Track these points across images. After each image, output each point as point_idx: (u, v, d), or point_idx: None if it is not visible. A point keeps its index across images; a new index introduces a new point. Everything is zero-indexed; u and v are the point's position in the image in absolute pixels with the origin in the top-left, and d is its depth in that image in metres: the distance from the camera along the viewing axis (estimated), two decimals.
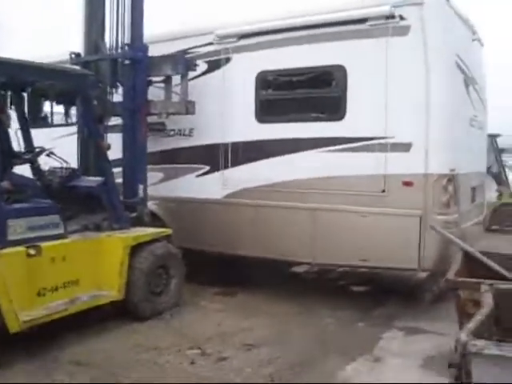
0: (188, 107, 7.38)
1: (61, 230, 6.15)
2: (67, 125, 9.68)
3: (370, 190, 6.71)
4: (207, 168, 7.87)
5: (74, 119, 9.68)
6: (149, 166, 7.75)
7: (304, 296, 7.65)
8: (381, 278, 8.64)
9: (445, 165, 6.50)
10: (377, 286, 8.46)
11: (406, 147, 6.51)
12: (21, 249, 5.63)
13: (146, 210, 7.37)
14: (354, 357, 5.64)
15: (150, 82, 7.48)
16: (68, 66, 7.19)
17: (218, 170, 7.77)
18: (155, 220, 8.06)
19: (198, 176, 7.95)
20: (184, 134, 8.06)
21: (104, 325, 6.39)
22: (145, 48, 7.26)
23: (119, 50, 7.41)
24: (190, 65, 7.40)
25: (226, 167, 7.69)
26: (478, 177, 8.20)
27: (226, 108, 7.63)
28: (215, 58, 7.74)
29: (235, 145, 7.60)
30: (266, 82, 7.46)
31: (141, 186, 7.32)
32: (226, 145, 7.67)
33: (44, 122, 10.00)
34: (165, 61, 7.36)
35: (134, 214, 7.13)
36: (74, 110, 10.08)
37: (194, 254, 7.82)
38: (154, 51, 7.40)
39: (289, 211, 7.20)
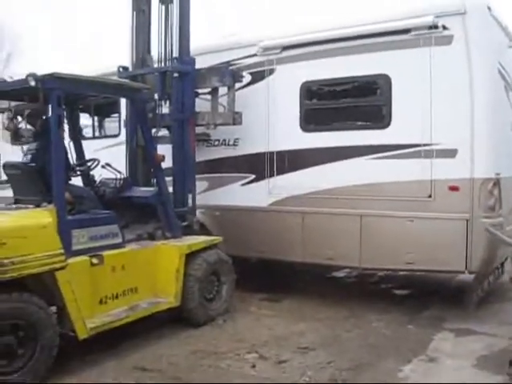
0: (235, 118, 7.61)
1: (119, 240, 6.37)
2: (106, 137, 10.01)
3: (417, 196, 6.87)
4: (252, 177, 8.06)
5: (111, 131, 10.03)
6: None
7: (348, 300, 7.82)
8: (422, 281, 8.81)
9: (490, 169, 6.65)
10: (419, 289, 8.61)
11: (451, 153, 6.67)
12: (85, 258, 5.85)
13: (195, 218, 7.61)
14: (408, 358, 5.80)
15: (197, 94, 7.71)
16: (123, 80, 7.41)
17: (263, 178, 7.95)
18: (201, 228, 8.28)
19: (243, 185, 8.14)
20: (229, 144, 8.26)
21: (161, 331, 6.60)
22: (192, 61, 7.52)
23: (167, 63, 7.64)
24: (237, 76, 7.63)
25: (271, 176, 7.88)
26: None
27: (271, 118, 7.83)
28: (259, 69, 7.94)
29: (280, 154, 7.79)
30: (310, 91, 7.65)
31: (190, 196, 7.56)
32: (271, 154, 7.86)
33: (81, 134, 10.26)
34: (212, 73, 7.61)
35: (184, 223, 7.37)
36: (109, 123, 10.44)
37: (238, 262, 8.04)
38: (200, 63, 7.65)
39: (336, 217, 7.37)
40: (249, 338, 6.45)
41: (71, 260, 5.61)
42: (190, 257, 6.85)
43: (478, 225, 6.52)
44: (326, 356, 5.89)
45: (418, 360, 5.78)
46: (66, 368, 5.48)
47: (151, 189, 7.14)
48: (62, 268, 5.40)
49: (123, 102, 8.39)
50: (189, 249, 6.84)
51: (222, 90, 7.75)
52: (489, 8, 6.70)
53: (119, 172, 7.16)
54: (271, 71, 7.87)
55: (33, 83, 5.45)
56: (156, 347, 6.19)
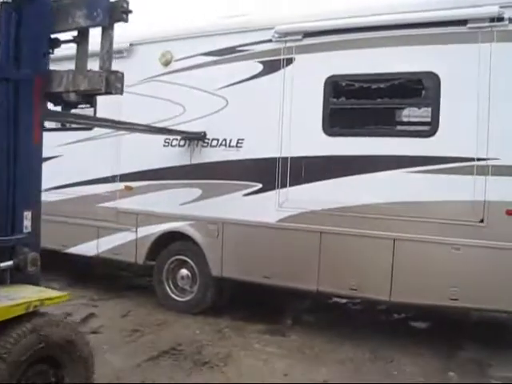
0: (110, 81, 4.30)
1: None
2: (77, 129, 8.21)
3: (465, 219, 5.78)
4: (259, 186, 6.76)
5: None
6: (184, 181, 6.89)
7: (364, 335, 6.66)
8: (435, 310, 7.69)
9: None
10: (438, 321, 7.45)
11: None
12: None
13: (32, 254, 4.31)
14: None
15: (57, 42, 4.59)
16: None
17: (272, 188, 6.67)
18: (189, 244, 7.12)
19: (246, 195, 6.84)
20: (230, 146, 6.93)
21: None
22: None
23: None
24: (116, 10, 4.33)
25: (283, 186, 6.60)
26: None
27: (286, 117, 6.58)
28: (274, 57, 6.66)
29: (296, 160, 6.53)
30: (337, 88, 6.46)
31: (27, 214, 4.43)
32: (284, 159, 6.59)
33: None
34: (77, 5, 4.43)
35: (9, 263, 4.27)
36: None
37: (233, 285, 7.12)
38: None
39: (363, 240, 6.19)
40: None
41: None
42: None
43: None
44: None
45: None
46: None
47: None
48: None
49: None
50: None
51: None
52: None
53: None
54: (289, 61, 6.60)
55: None
56: None
